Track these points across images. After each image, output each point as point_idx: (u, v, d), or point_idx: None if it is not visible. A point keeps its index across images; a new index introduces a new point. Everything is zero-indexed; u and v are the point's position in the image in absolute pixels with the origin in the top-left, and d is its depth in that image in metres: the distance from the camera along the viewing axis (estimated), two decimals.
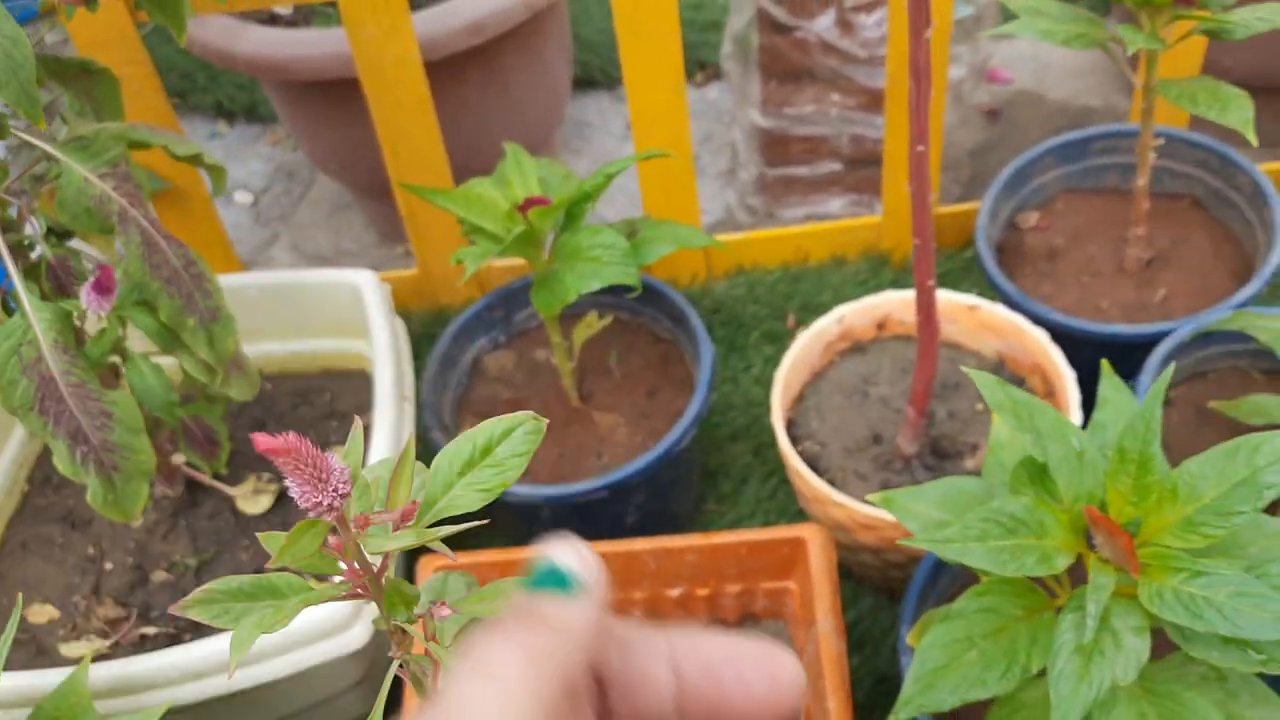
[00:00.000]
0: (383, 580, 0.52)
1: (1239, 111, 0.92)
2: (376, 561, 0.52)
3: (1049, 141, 1.29)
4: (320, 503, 0.44)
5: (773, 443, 1.29)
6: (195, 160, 0.97)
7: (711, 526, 1.24)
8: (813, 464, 1.11)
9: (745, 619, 0.99)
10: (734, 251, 1.44)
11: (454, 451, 0.53)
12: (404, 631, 0.55)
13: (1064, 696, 0.64)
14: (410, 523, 0.51)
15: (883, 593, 1.16)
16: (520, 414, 0.53)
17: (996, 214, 1.28)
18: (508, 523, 1.18)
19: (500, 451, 0.53)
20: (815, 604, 0.88)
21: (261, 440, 0.41)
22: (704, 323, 1.42)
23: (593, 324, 1.15)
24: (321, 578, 0.54)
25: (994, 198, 1.27)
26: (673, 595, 0.96)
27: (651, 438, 1.14)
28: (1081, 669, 0.65)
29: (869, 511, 1.01)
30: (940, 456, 1.12)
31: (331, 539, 0.50)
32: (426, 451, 1.31)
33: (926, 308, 0.99)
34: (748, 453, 1.31)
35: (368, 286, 1.09)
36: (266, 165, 1.84)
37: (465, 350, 1.21)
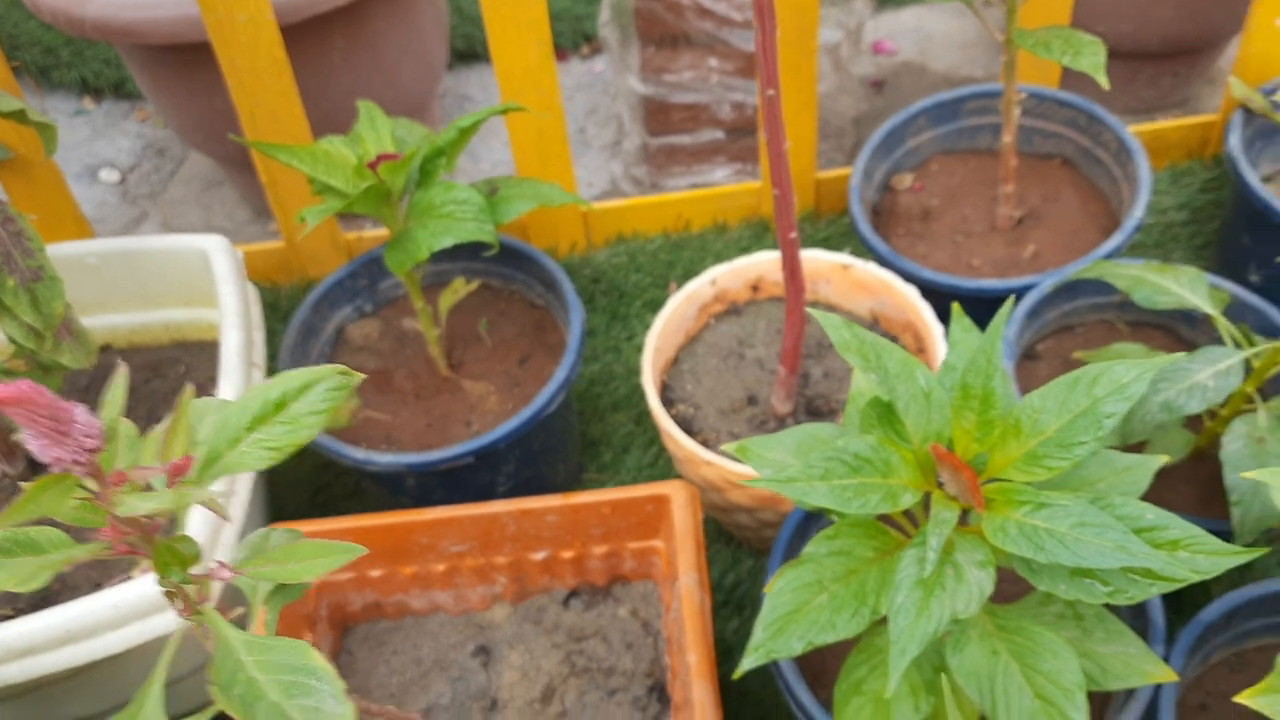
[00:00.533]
0: (155, 539, 0.49)
1: (1091, 56, 0.92)
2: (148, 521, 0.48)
3: (922, 102, 1.29)
4: (62, 457, 0.40)
5: None
6: (19, 118, 0.92)
7: None
8: (686, 426, 1.09)
9: (614, 581, 0.96)
10: (614, 219, 1.42)
11: (244, 405, 0.49)
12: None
13: (903, 630, 0.62)
14: (184, 478, 0.48)
15: (763, 555, 1.15)
16: (325, 368, 0.49)
17: (871, 175, 1.27)
18: (374, 491, 1.14)
19: (296, 408, 0.49)
20: (679, 560, 0.85)
21: None
22: (585, 292, 1.40)
23: (459, 289, 1.12)
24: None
25: (867, 159, 1.26)
26: (537, 559, 0.93)
27: (523, 404, 1.11)
28: (922, 603, 0.63)
29: (738, 469, 0.99)
30: (815, 415, 1.11)
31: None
32: None
33: (791, 261, 0.98)
34: (629, 421, 1.29)
35: (217, 251, 1.04)
36: (135, 142, 1.77)
37: (328, 319, 1.17)
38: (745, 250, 1.42)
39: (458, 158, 1.03)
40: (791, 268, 0.98)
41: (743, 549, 1.16)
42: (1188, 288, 0.93)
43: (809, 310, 0.78)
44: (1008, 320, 1.05)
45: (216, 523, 0.85)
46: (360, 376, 0.48)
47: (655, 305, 1.38)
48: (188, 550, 0.48)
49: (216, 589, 0.56)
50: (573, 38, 1.88)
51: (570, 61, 1.87)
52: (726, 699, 1.04)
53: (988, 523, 0.66)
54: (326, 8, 1.27)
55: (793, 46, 1.24)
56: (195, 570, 0.49)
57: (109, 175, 1.70)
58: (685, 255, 1.43)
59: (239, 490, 0.89)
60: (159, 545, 0.46)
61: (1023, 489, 0.67)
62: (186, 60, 1.33)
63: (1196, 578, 0.64)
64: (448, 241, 0.93)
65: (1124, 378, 0.67)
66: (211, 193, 1.68)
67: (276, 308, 1.37)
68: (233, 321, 0.99)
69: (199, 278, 1.07)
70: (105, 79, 1.80)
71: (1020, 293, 1.08)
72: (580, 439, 1.26)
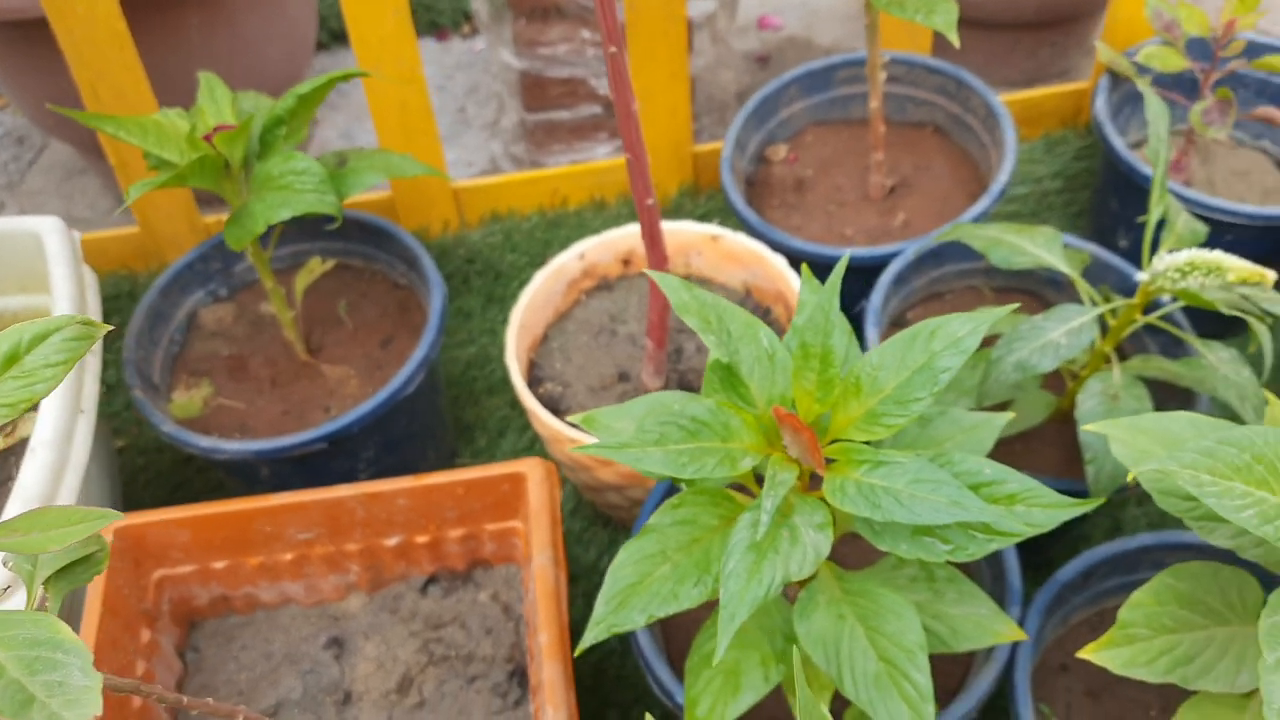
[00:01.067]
0: None
1: (944, 14, 0.91)
2: None
3: (793, 71, 1.27)
4: None
5: None
6: None
7: None
8: (554, 405, 1.07)
9: (475, 565, 0.93)
10: (488, 197, 1.38)
11: None
12: None
13: (733, 594, 0.60)
14: None
15: None
16: (63, 316, 0.46)
17: (744, 146, 1.25)
18: (234, 489, 1.10)
19: (30, 360, 0.45)
20: (533, 539, 0.82)
21: None
22: (460, 274, 1.36)
23: (315, 269, 1.07)
24: None
25: (739, 129, 1.24)
26: (390, 544, 0.89)
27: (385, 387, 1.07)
28: (753, 566, 0.61)
29: None
30: (688, 389, 1.08)
31: None
32: (131, 414, 1.20)
33: (650, 227, 0.95)
34: (505, 405, 1.25)
35: (51, 234, 0.99)
36: None
37: (179, 304, 1.11)
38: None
39: (306, 129, 0.99)
40: (651, 236, 0.96)
41: (619, 530, 1.14)
42: (1044, 247, 0.92)
43: (646, 271, 0.76)
44: (875, 288, 1.05)
45: (44, 499, 0.80)
46: (106, 328, 0.44)
47: None
48: None
49: None
50: (453, 16, 1.83)
51: (451, 40, 1.82)
52: (599, 682, 1.02)
53: (828, 484, 0.64)
54: None
55: (659, 13, 1.22)
56: None
57: None
58: (562, 233, 1.40)
59: (67, 482, 0.84)
60: None
61: (862, 448, 0.65)
62: (31, 38, 1.26)
63: (1032, 531, 0.63)
64: (285, 214, 0.89)
65: (959, 332, 0.66)
66: (73, 182, 1.61)
67: (134, 296, 1.31)
68: (65, 307, 0.94)
69: (32, 262, 1.01)
70: None
71: (886, 261, 1.07)
72: (454, 424, 1.23)
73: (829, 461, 0.66)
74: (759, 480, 0.73)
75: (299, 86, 0.93)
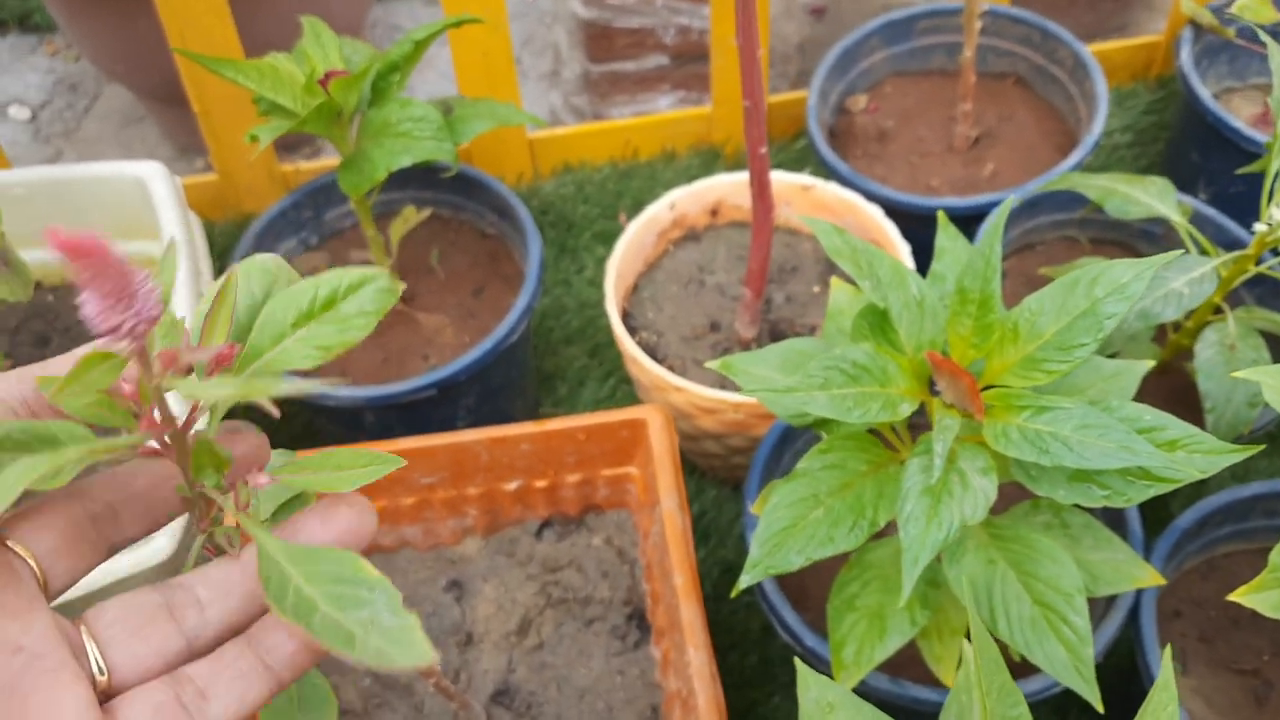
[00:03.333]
0: (189, 437, 0.44)
1: None
2: (181, 416, 0.43)
3: (874, 21, 1.27)
4: (120, 325, 0.35)
5: (610, 343, 1.25)
6: None
7: None
8: (650, 353, 1.07)
9: (587, 510, 0.94)
10: (560, 148, 1.38)
11: (289, 299, 0.45)
12: (210, 501, 0.47)
13: (914, 538, 0.61)
14: (226, 370, 0.44)
15: (727, 485, 1.14)
16: (373, 269, 0.45)
17: (826, 97, 1.25)
18: (329, 431, 1.10)
19: (346, 307, 0.44)
20: (659, 484, 0.83)
21: (59, 237, 0.32)
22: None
23: (410, 218, 1.07)
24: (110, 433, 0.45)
25: (822, 80, 1.24)
26: (509, 489, 0.90)
27: (480, 336, 1.07)
28: (931, 510, 0.62)
29: (709, 394, 0.97)
30: (779, 339, 1.09)
31: (125, 385, 0.42)
32: None
33: (760, 176, 0.95)
34: (584, 355, 1.26)
35: (155, 178, 0.98)
36: (46, 78, 1.67)
37: (272, 252, 1.11)
38: (695, 178, 1.39)
39: (409, 78, 0.98)
40: (760, 185, 0.96)
41: (706, 478, 1.15)
42: (1157, 198, 0.93)
43: (807, 220, 0.76)
44: (978, 235, 1.05)
45: None
46: (401, 286, 0.44)
47: (604, 237, 1.35)
48: (223, 453, 0.43)
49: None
50: None
51: None
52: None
53: (988, 429, 0.65)
54: None
55: None
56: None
57: (19, 113, 1.61)
58: (634, 185, 1.40)
59: None
60: (199, 443, 0.42)
61: (1022, 394, 0.66)
62: None
63: (1198, 475, 0.64)
64: (405, 161, 0.89)
65: (1123, 278, 0.66)
66: (130, 130, 1.59)
67: (212, 245, 1.30)
68: (180, 250, 0.93)
69: (136, 208, 1.01)
70: (9, 10, 1.69)
71: (983, 210, 1.08)
72: (535, 373, 1.23)
73: (987, 407, 0.67)
74: (894, 429, 0.74)
75: (414, 32, 0.93)
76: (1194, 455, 0.65)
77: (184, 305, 0.90)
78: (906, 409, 0.67)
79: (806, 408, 0.64)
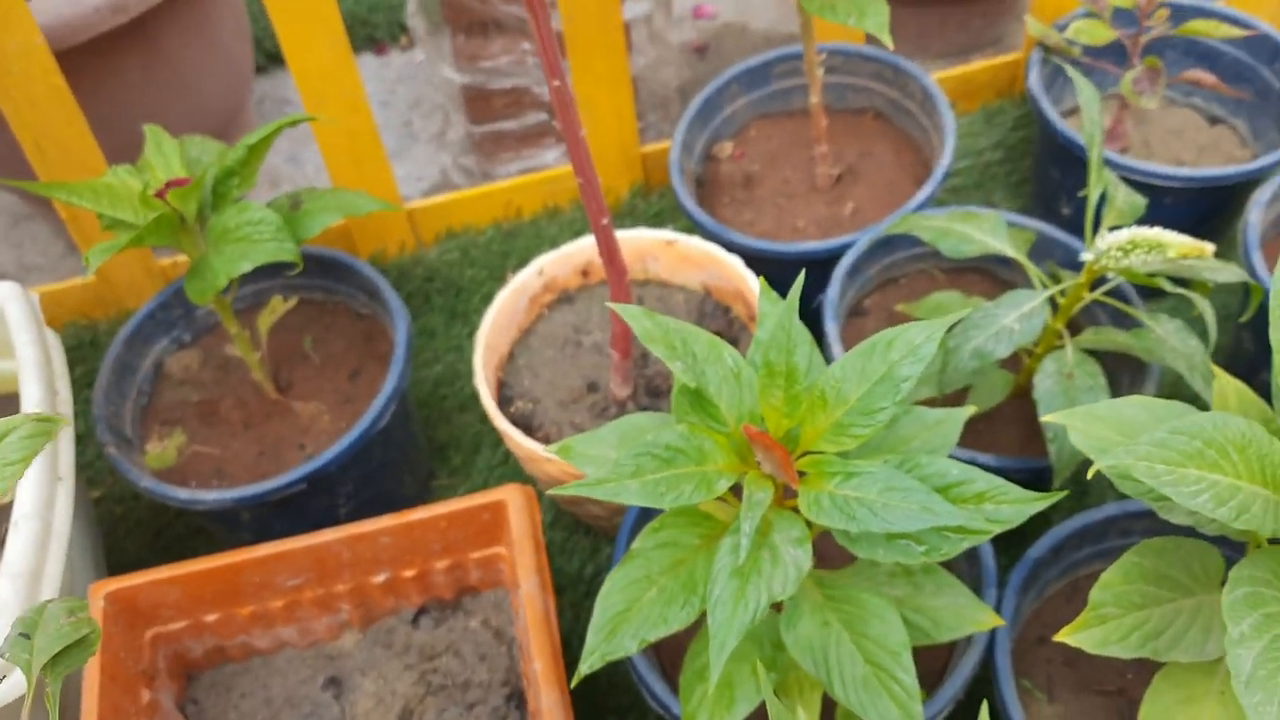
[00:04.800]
0: None
1: (875, 17, 0.93)
2: None
3: (732, 69, 1.29)
4: None
5: None
6: None
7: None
8: (526, 423, 1.08)
9: (463, 592, 0.95)
10: (442, 215, 1.39)
11: None
12: None
13: (721, 622, 0.62)
14: None
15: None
16: (18, 417, 0.47)
17: (691, 147, 1.27)
18: (216, 530, 1.10)
19: None
20: (519, 566, 0.84)
21: None
22: (421, 292, 1.37)
23: (277, 309, 1.08)
24: None
25: (685, 131, 1.26)
26: (378, 581, 0.91)
27: (357, 421, 1.08)
28: (738, 592, 0.63)
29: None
30: (655, 395, 1.10)
31: None
32: (108, 468, 1.21)
33: (607, 246, 0.96)
34: (477, 421, 1.27)
35: (9, 300, 0.99)
36: None
37: (144, 354, 1.12)
38: (579, 232, 1.41)
39: (257, 173, 0.99)
40: (609, 254, 0.97)
41: (600, 538, 1.16)
42: (990, 234, 0.95)
43: (610, 305, 0.77)
44: (831, 281, 1.07)
45: (32, 573, 0.81)
46: (65, 421, 0.46)
47: (492, 298, 1.36)
48: None
49: None
50: (390, 29, 1.83)
51: (390, 54, 1.82)
52: (594, 690, 1.04)
53: (803, 498, 0.67)
54: (109, 27, 1.21)
55: (597, 24, 1.23)
56: None
57: None
58: (519, 244, 1.41)
59: (53, 551, 0.85)
60: None
61: (833, 460, 0.67)
62: None
63: (1001, 528, 0.65)
64: (246, 266, 0.90)
65: (916, 340, 0.68)
66: (21, 228, 1.59)
67: (96, 344, 1.31)
68: (32, 374, 0.94)
69: None
70: None
71: (839, 252, 1.09)
72: (428, 444, 1.24)
73: (801, 474, 0.68)
74: (735, 490, 0.75)
75: (248, 137, 0.94)
76: (1000, 507, 0.67)
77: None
78: (724, 485, 0.68)
79: (620, 498, 0.66)
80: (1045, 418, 0.71)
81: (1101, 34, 1.16)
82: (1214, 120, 1.30)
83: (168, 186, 0.92)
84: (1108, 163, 1.14)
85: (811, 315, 1.12)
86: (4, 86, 1.09)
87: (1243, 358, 1.13)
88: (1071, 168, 1.21)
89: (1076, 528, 0.88)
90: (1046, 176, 1.28)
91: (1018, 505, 0.67)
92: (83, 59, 1.22)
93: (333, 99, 1.19)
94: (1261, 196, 1.08)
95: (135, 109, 1.32)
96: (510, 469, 1.22)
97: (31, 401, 0.92)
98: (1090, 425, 0.69)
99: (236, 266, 0.89)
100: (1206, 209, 1.17)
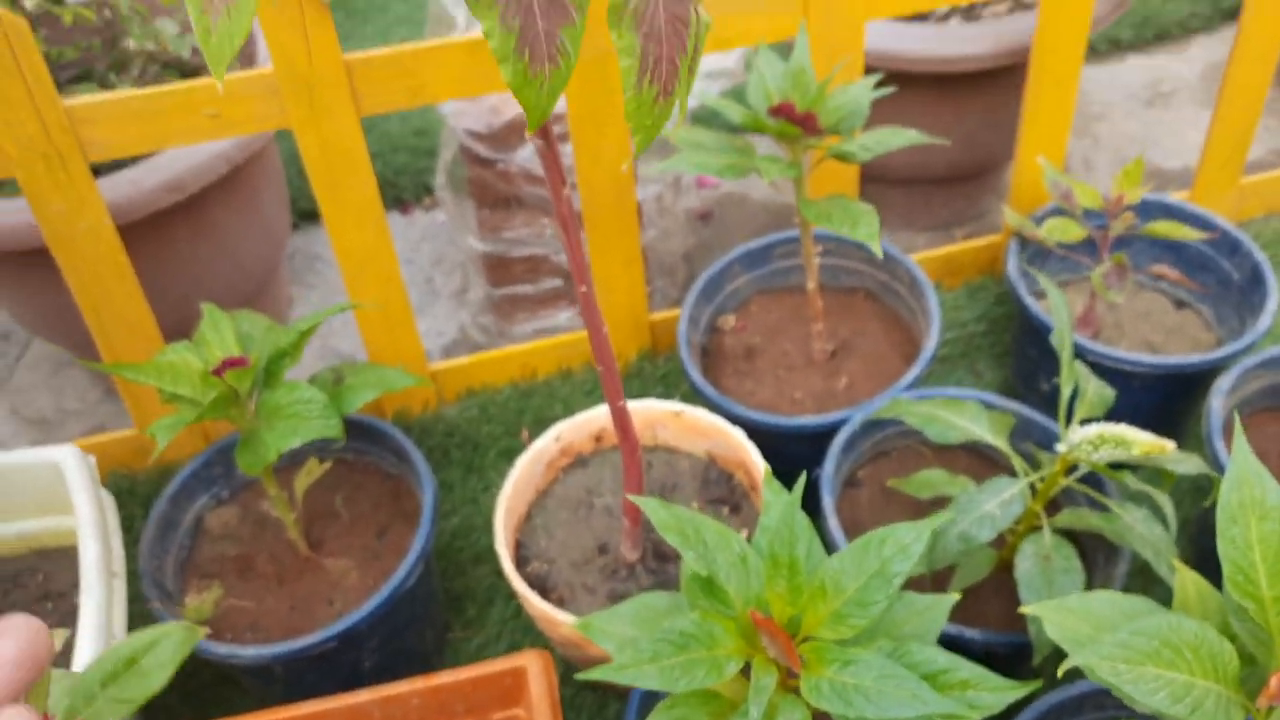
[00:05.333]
0: None
1: (867, 227, 1.04)
2: None
3: (735, 251, 1.40)
4: None
5: None
6: None
7: (459, 654, 1.26)
8: (542, 583, 1.15)
9: None
10: (463, 376, 1.48)
11: (98, 665, 0.54)
12: None
13: None
14: None
15: (626, 699, 1.21)
16: (171, 625, 0.55)
17: (697, 321, 1.37)
18: (246, 681, 1.16)
19: (146, 662, 0.54)
20: None
21: None
22: (440, 448, 1.46)
23: (314, 470, 1.16)
24: None
25: (692, 305, 1.36)
26: None
27: (383, 578, 1.16)
28: None
29: None
30: (663, 559, 1.18)
31: None
32: (147, 623, 1.27)
33: (622, 424, 1.06)
34: (491, 574, 1.34)
35: (70, 463, 1.07)
36: None
37: (186, 510, 1.19)
38: (589, 393, 1.50)
39: (302, 351, 1.08)
40: (624, 432, 1.06)
41: (609, 694, 1.22)
42: (971, 420, 1.04)
43: (629, 497, 0.86)
44: (827, 456, 1.16)
45: None
46: (203, 632, 0.53)
47: (509, 454, 1.44)
48: None
49: None
50: (415, 190, 1.95)
51: (414, 213, 1.94)
52: None
53: (804, 683, 0.74)
54: (166, 204, 1.32)
55: (613, 207, 1.34)
56: None
57: None
58: (534, 402, 1.50)
59: None
60: None
61: (832, 647, 0.75)
62: (29, 263, 1.35)
63: (983, 714, 0.73)
64: (295, 442, 0.98)
65: (906, 539, 0.76)
66: (61, 375, 1.68)
67: (134, 494, 1.39)
68: (90, 533, 1.02)
69: (53, 487, 1.09)
70: None
71: (834, 427, 1.18)
72: (444, 597, 1.31)
73: (803, 660, 0.76)
74: (743, 670, 0.82)
75: (300, 323, 1.03)
76: (982, 694, 0.75)
77: (97, 587, 0.98)
78: (733, 669, 0.76)
79: (641, 682, 0.73)
80: (1024, 609, 0.79)
81: (1073, 232, 1.27)
82: (1180, 304, 1.41)
83: (225, 366, 1.01)
84: (1079, 349, 1.24)
85: (809, 486, 1.20)
86: (72, 262, 1.19)
87: (1213, 532, 1.21)
88: (1048, 349, 1.31)
89: (1055, 702, 0.95)
90: (1025, 355, 1.38)
91: (999, 692, 0.74)
92: (137, 233, 1.33)
93: (370, 273, 1.30)
94: (1223, 385, 1.18)
95: (180, 274, 1.43)
96: (522, 623, 1.29)
97: (90, 558, 0.99)
98: (1063, 618, 0.77)
99: (287, 442, 0.98)
100: (1174, 392, 1.27)
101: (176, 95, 1.11)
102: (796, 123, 1.08)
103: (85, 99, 1.10)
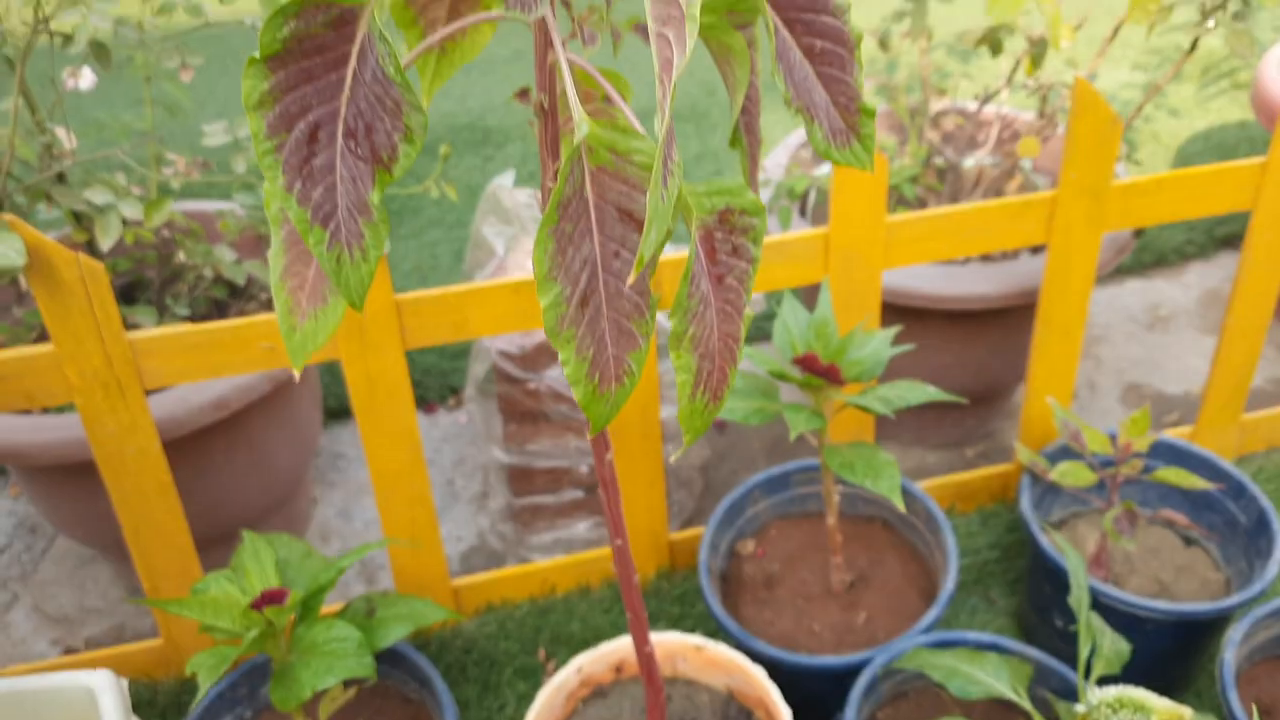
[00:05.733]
0: None
1: (889, 480, 1.08)
2: None
3: (755, 477, 1.44)
4: None
5: None
6: None
7: None
8: None
9: None
10: (483, 591, 1.51)
11: None
12: None
13: None
14: None
15: None
16: None
17: (717, 546, 1.40)
18: None
19: None
20: None
21: None
22: (458, 664, 1.47)
23: (338, 697, 1.18)
24: None
25: (713, 531, 1.40)
26: None
27: None
28: None
29: None
30: None
31: None
32: None
33: (648, 667, 1.08)
34: None
35: (103, 689, 1.09)
36: (6, 520, 1.79)
37: None
38: (607, 611, 1.52)
39: (335, 584, 1.12)
40: (648, 673, 1.08)
41: None
42: (993, 675, 1.06)
43: None
44: (849, 701, 1.17)
45: None
46: None
47: (525, 672, 1.45)
48: None
49: None
50: (440, 391, 2.01)
51: (438, 414, 2.00)
52: None
53: None
54: (208, 421, 1.37)
55: (638, 431, 1.39)
56: None
57: None
58: (552, 619, 1.52)
59: None
60: None
61: None
62: (71, 473, 1.39)
63: None
64: (330, 681, 1.01)
65: None
66: (85, 570, 1.71)
67: (154, 704, 1.39)
68: None
69: (87, 710, 1.10)
70: None
71: (856, 668, 1.20)
72: None
73: None
74: None
75: (339, 560, 1.07)
76: None
77: None
78: None
79: None
80: None
81: (1084, 476, 1.32)
82: (1188, 541, 1.44)
83: (265, 600, 1.04)
84: (1094, 592, 1.27)
85: None
86: (118, 479, 1.24)
87: None
88: (1061, 585, 1.34)
89: None
90: (1040, 590, 1.40)
91: None
92: (177, 447, 1.38)
93: (402, 494, 1.34)
94: (1234, 635, 1.20)
95: (213, 484, 1.47)
96: None
97: None
98: None
99: (322, 680, 1.00)
100: (1185, 636, 1.29)
101: (235, 330, 1.17)
102: (821, 374, 1.14)
103: (147, 333, 1.16)
